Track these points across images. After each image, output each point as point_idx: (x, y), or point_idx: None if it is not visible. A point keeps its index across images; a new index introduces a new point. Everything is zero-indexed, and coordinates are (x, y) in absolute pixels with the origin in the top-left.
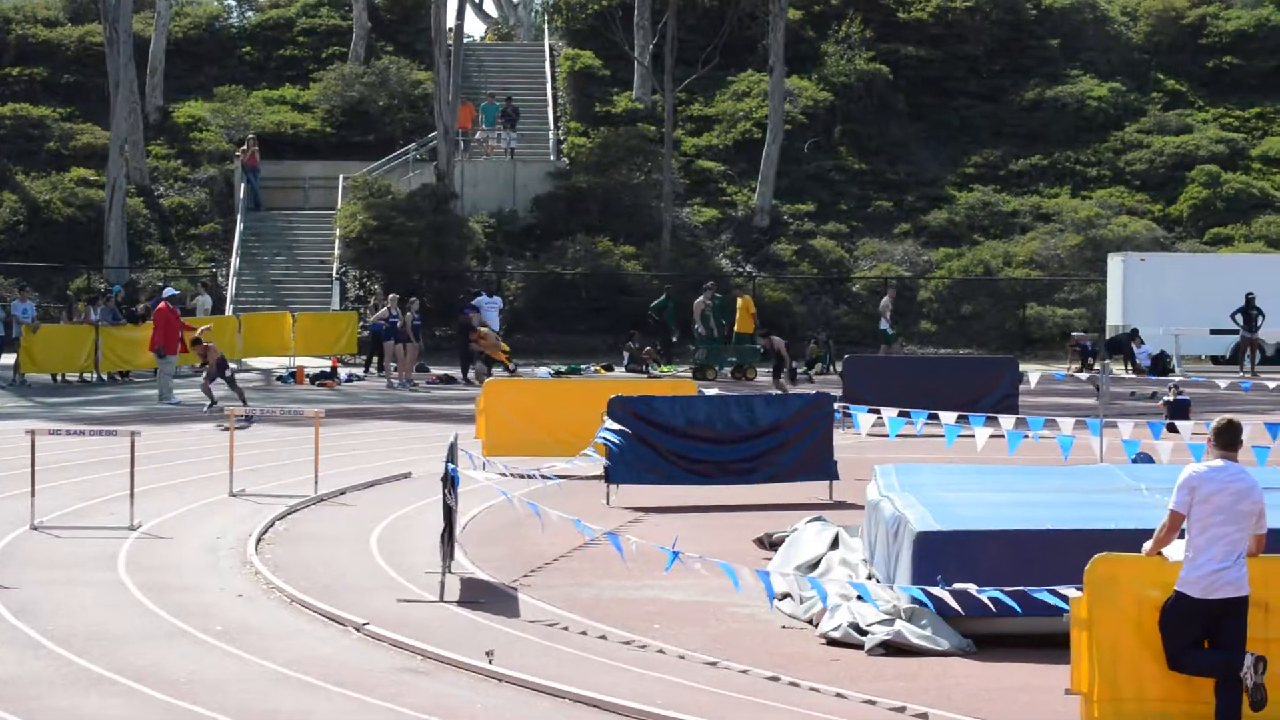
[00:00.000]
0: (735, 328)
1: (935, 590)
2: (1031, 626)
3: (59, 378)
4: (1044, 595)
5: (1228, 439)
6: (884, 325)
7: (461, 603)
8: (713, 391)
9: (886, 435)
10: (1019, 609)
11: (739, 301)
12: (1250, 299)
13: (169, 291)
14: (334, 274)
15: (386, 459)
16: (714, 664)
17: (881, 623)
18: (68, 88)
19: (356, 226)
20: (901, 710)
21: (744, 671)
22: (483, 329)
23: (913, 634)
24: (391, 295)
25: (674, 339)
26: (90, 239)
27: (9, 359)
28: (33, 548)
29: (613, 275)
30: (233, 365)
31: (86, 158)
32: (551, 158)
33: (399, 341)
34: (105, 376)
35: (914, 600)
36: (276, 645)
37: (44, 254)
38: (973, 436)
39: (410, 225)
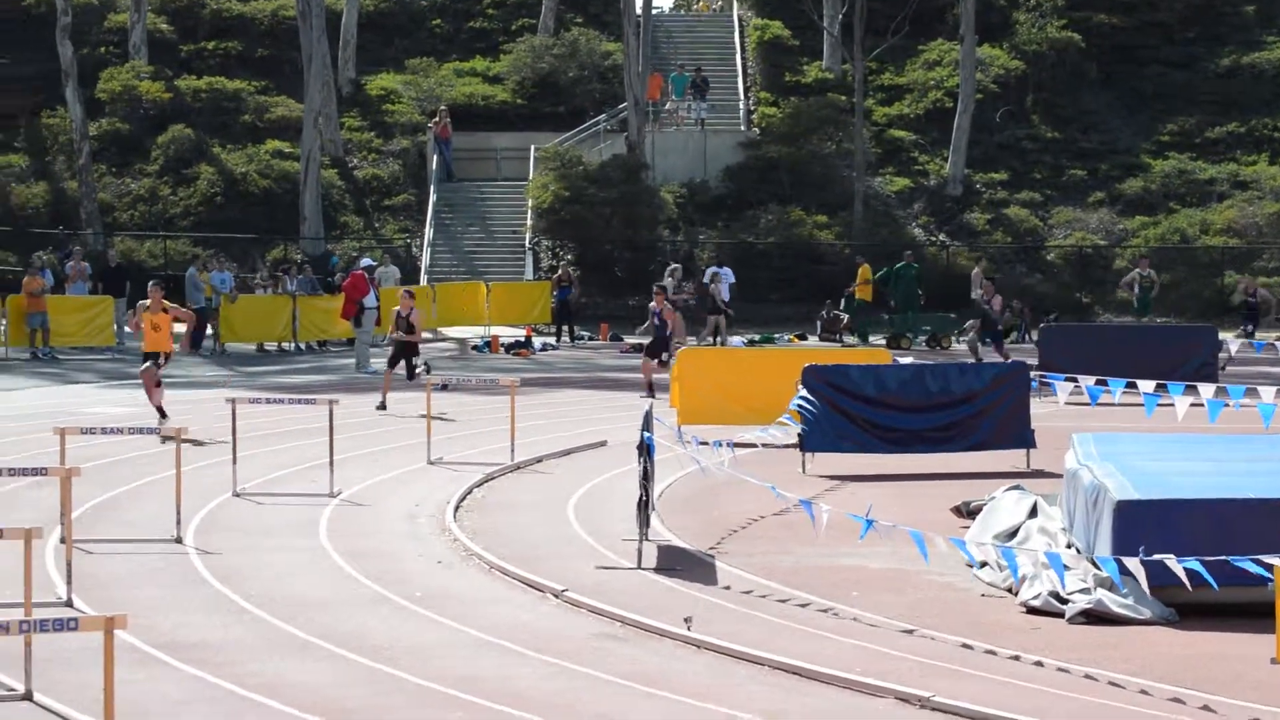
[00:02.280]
0: (857, 295)
1: (1133, 561)
2: (1236, 596)
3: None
4: (1247, 564)
5: None
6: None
7: (659, 569)
8: (907, 360)
9: (1084, 404)
10: (1214, 583)
11: (859, 271)
12: None
13: (365, 262)
14: (526, 244)
15: (582, 427)
16: (911, 631)
17: (1082, 591)
18: (262, 61)
19: (548, 197)
20: (1097, 679)
21: (942, 639)
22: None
23: (1114, 602)
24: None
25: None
26: (286, 211)
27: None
28: (235, 514)
29: (805, 245)
30: (428, 334)
31: (281, 130)
32: (742, 128)
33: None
34: (303, 346)
35: (1118, 571)
36: (476, 611)
37: (241, 226)
38: (1172, 405)
39: (601, 196)
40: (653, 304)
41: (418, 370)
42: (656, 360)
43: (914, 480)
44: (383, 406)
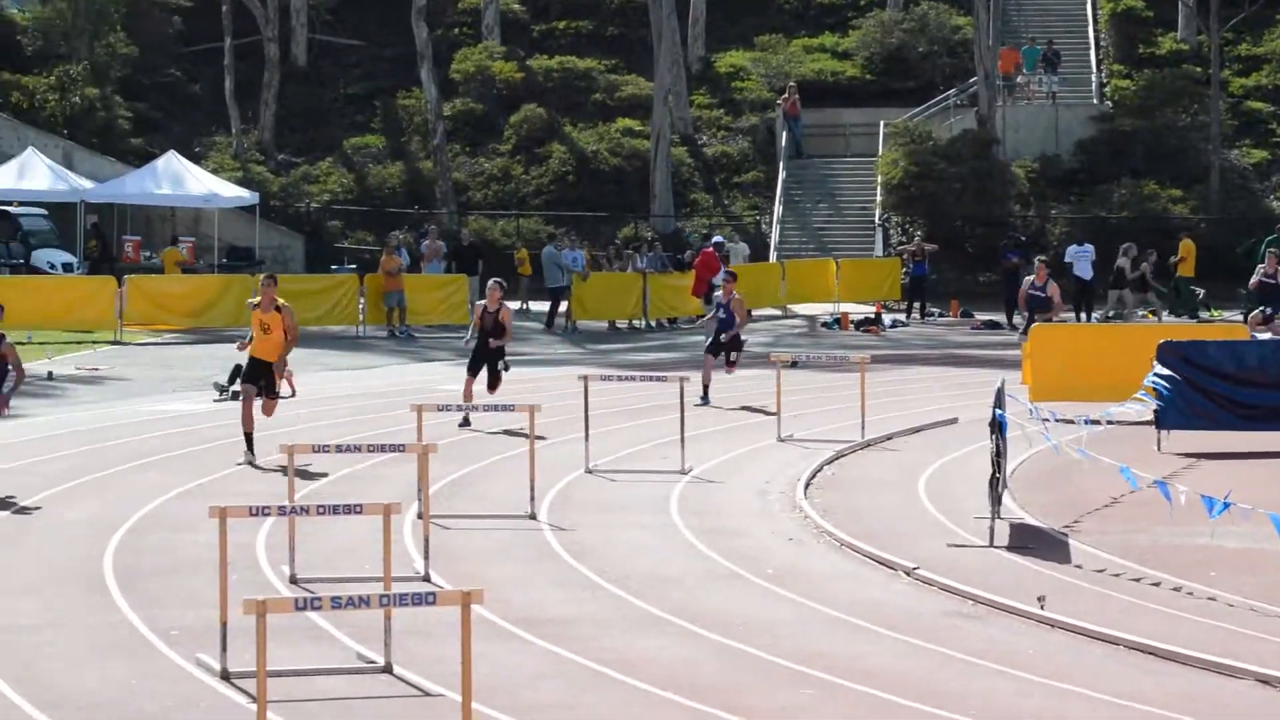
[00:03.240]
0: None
1: None
2: None
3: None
4: None
5: None
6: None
7: (1011, 548)
8: (1265, 336)
9: None
10: None
11: (1181, 246)
12: None
13: (716, 239)
14: (876, 220)
15: (932, 404)
16: (1269, 613)
17: None
18: (612, 40)
19: (898, 173)
20: None
21: None
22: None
23: None
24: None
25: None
26: (636, 188)
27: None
28: (588, 490)
29: (1158, 219)
30: (777, 311)
31: (631, 108)
32: (1094, 101)
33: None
34: (653, 323)
35: None
36: (826, 588)
37: (591, 204)
38: None
39: (951, 171)
40: (719, 294)
41: (501, 372)
42: (721, 357)
43: (1275, 459)
44: (704, 399)
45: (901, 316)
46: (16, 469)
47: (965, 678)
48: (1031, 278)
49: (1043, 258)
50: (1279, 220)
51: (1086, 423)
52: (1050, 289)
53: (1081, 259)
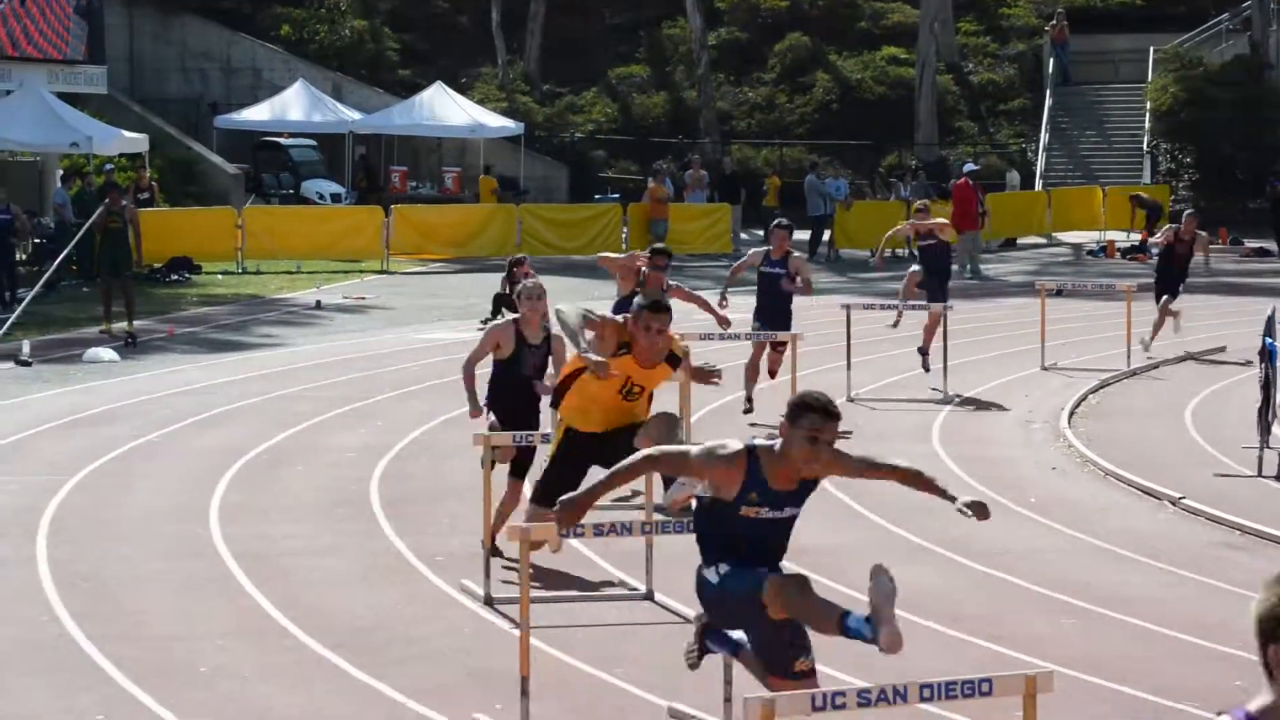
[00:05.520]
0: None
1: None
2: None
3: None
4: None
5: None
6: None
7: None
8: None
9: None
10: None
11: None
12: None
13: (969, 167)
14: (1144, 148)
15: (1201, 333)
16: None
17: None
18: None
19: (1167, 100)
20: None
21: None
22: None
23: None
24: None
25: None
26: (900, 117)
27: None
28: (850, 418)
29: None
30: (1042, 239)
31: (897, 36)
32: None
33: None
34: (915, 251)
35: None
36: (1089, 518)
37: (855, 132)
38: None
39: (1222, 98)
40: (768, 248)
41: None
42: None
43: None
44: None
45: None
46: (287, 396)
47: (1230, 609)
48: None
49: (781, 221)
50: None
51: None
52: (796, 266)
53: None
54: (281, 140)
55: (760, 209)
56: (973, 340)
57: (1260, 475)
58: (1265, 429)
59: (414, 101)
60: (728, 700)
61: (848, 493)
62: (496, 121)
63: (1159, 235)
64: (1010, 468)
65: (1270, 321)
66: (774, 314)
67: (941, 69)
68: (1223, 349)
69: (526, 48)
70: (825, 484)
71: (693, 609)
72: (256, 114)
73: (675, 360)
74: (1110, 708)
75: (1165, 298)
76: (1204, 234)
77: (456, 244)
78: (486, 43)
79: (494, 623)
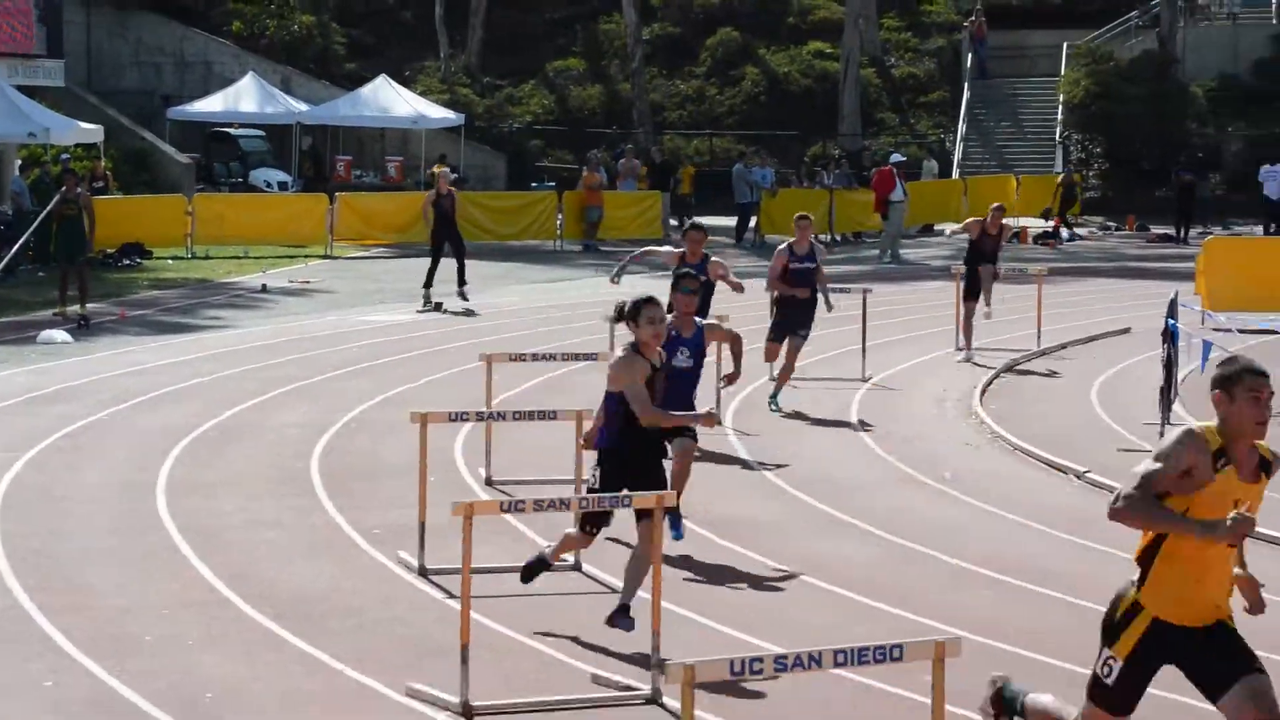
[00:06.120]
0: None
1: None
2: None
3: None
4: None
5: None
6: None
7: None
8: None
9: None
10: None
11: None
12: None
13: (895, 157)
14: (1056, 138)
15: (1106, 315)
16: None
17: None
18: None
19: (1079, 93)
20: None
21: None
22: None
23: None
24: None
25: None
26: (825, 108)
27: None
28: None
29: None
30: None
31: (823, 31)
32: (1274, 20)
33: None
34: (839, 237)
35: None
36: (1001, 492)
37: (781, 123)
38: None
39: (1131, 91)
40: (675, 247)
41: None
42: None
43: None
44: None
45: (1081, 231)
46: (233, 376)
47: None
48: None
49: (695, 222)
50: None
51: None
52: (715, 272)
53: (1271, 179)
54: (231, 131)
55: (676, 198)
56: (891, 322)
57: None
58: (1167, 406)
59: (359, 94)
60: (655, 667)
61: (770, 469)
62: (438, 113)
63: (962, 227)
64: (925, 444)
65: (1173, 304)
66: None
67: (865, 63)
68: (1128, 330)
69: (468, 42)
70: (742, 452)
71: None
72: (208, 106)
73: None
74: (1016, 672)
75: (973, 301)
76: (1009, 225)
77: (398, 230)
78: (430, 37)
79: (428, 593)
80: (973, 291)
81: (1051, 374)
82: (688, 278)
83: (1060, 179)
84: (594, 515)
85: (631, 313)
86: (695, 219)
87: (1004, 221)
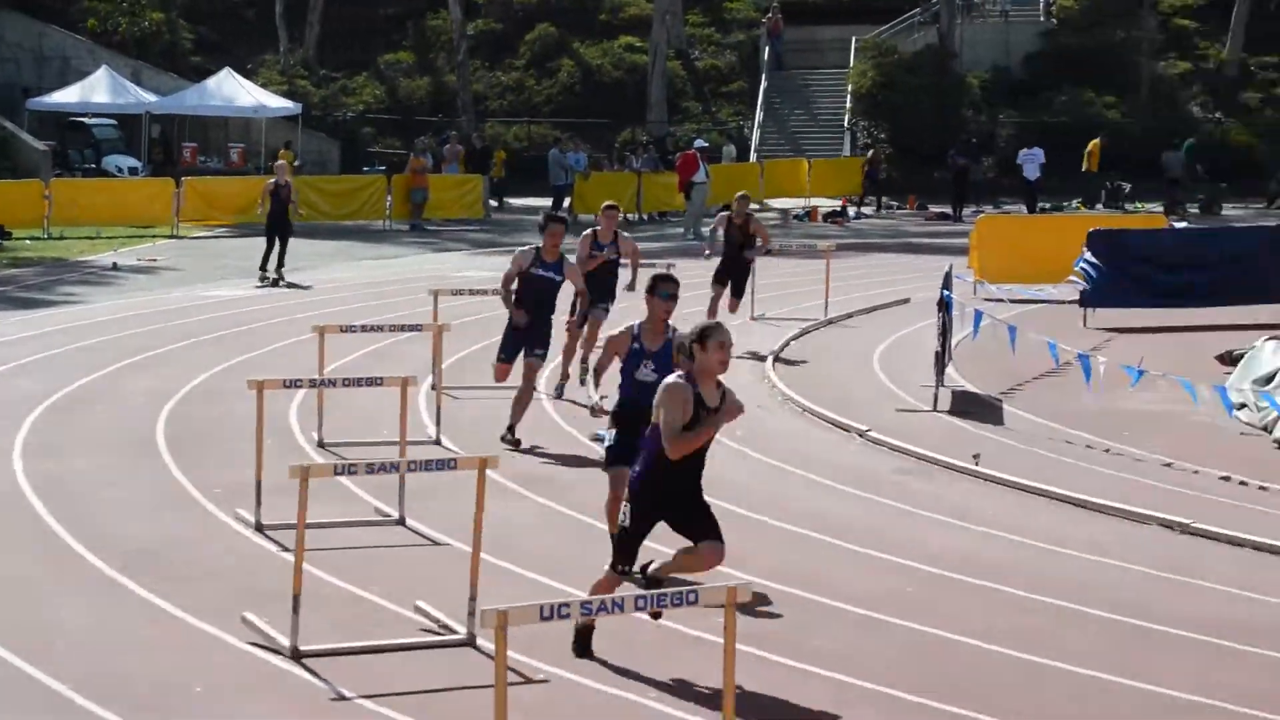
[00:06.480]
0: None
1: None
2: None
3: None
4: None
5: None
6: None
7: (952, 412)
8: (1181, 225)
9: None
10: None
11: (1090, 145)
12: None
13: (699, 142)
14: (845, 125)
15: (888, 287)
16: (1170, 465)
17: None
18: None
19: (866, 83)
20: None
21: (1205, 472)
22: None
23: None
24: None
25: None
26: (634, 98)
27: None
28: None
29: (1090, 123)
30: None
31: (632, 27)
32: (1041, 19)
33: None
34: (646, 216)
35: None
36: (789, 448)
37: (594, 111)
38: None
39: (913, 82)
40: (587, 233)
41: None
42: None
43: (1184, 332)
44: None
45: (868, 210)
46: (86, 347)
47: (915, 527)
48: None
49: (609, 204)
50: (1198, 124)
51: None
52: (625, 247)
53: (1030, 161)
54: (86, 120)
55: (490, 181)
56: (693, 294)
57: (935, 410)
58: (941, 370)
59: (205, 85)
60: (471, 615)
61: (577, 428)
62: (277, 103)
63: (715, 221)
64: None
65: (948, 276)
66: (603, 290)
67: (671, 55)
68: (907, 300)
69: (306, 37)
70: (552, 413)
71: (440, 533)
72: (65, 97)
73: None
74: (799, 613)
75: (721, 288)
76: (756, 216)
77: (239, 211)
78: (272, 33)
79: (264, 546)
80: (720, 278)
81: (839, 341)
82: (666, 280)
83: (867, 158)
84: (624, 549)
85: (699, 338)
86: (609, 201)
87: (751, 209)
